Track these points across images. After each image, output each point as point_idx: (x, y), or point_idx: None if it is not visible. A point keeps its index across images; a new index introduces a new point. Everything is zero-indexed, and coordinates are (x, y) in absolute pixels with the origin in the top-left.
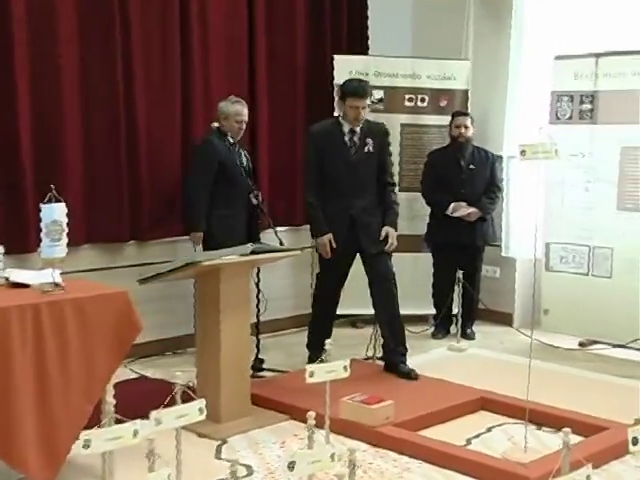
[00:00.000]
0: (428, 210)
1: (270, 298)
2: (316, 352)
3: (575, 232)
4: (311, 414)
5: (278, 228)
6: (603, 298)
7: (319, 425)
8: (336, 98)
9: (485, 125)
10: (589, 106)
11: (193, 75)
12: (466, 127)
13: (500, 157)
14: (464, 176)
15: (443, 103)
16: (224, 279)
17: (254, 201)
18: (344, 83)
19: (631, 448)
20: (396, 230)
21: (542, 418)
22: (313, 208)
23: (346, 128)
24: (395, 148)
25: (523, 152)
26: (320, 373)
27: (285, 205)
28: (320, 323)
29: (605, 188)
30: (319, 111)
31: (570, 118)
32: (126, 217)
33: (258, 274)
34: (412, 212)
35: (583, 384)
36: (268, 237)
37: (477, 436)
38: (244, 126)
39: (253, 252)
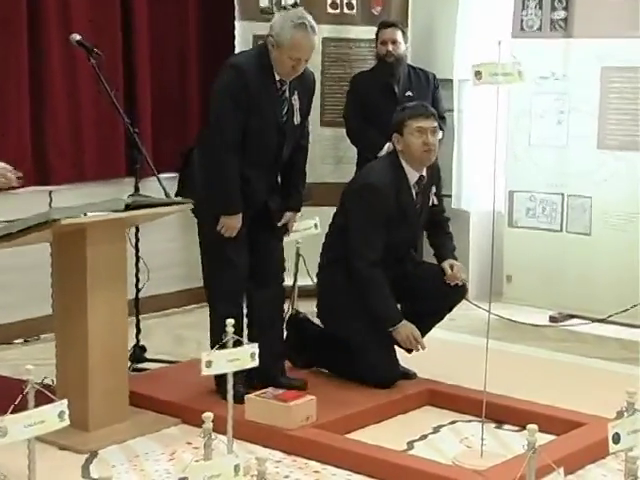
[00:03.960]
0: (356, 151)
1: (153, 267)
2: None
3: (545, 177)
4: (208, 416)
5: (163, 175)
6: (580, 261)
7: (219, 430)
8: None
9: (430, 39)
10: (563, 14)
11: None
12: (395, 42)
13: (449, 81)
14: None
15: (376, 10)
16: (91, 243)
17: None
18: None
19: (612, 447)
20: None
21: (503, 414)
22: None
23: (411, 179)
24: (315, 70)
25: (478, 74)
26: (220, 362)
27: (172, 145)
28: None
29: (583, 120)
30: (215, 24)
31: (539, 29)
32: None
33: (137, 235)
34: (338, 154)
35: (555, 369)
36: (150, 186)
37: (422, 438)
38: (302, 67)
39: (129, 206)
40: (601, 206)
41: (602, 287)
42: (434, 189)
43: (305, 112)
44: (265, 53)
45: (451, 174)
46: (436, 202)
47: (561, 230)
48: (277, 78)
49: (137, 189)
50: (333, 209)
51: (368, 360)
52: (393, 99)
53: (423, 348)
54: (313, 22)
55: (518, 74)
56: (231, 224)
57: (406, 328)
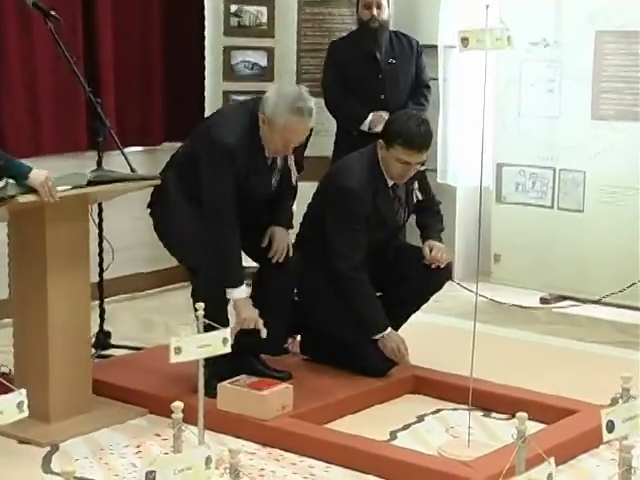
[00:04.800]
0: (335, 123)
1: (118, 247)
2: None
3: (536, 150)
4: (177, 405)
5: (127, 149)
6: (573, 239)
7: (189, 420)
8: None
9: (414, 2)
10: None
11: None
12: (379, 6)
13: (433, 47)
14: (383, 75)
15: None
16: (51, 221)
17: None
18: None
19: (606, 436)
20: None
21: (491, 401)
22: None
23: (389, 181)
24: (292, 36)
25: (464, 40)
26: (190, 349)
27: (137, 117)
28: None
29: (575, 89)
30: None
31: None
32: None
33: (100, 214)
34: (316, 126)
35: (546, 354)
36: (114, 161)
37: (405, 427)
38: (292, 147)
39: (91, 182)
40: (595, 181)
41: (596, 267)
42: (416, 184)
43: (301, 161)
44: (255, 126)
45: (436, 147)
46: (421, 197)
47: (552, 206)
48: (267, 154)
49: (100, 163)
50: (310, 184)
51: (361, 352)
52: (376, 67)
53: (408, 364)
54: (310, 103)
55: (507, 40)
56: (242, 309)
57: (392, 340)
